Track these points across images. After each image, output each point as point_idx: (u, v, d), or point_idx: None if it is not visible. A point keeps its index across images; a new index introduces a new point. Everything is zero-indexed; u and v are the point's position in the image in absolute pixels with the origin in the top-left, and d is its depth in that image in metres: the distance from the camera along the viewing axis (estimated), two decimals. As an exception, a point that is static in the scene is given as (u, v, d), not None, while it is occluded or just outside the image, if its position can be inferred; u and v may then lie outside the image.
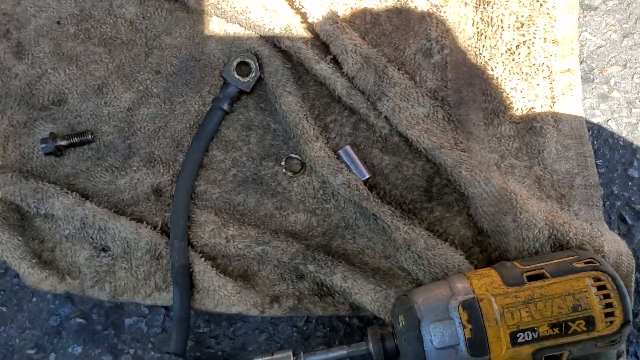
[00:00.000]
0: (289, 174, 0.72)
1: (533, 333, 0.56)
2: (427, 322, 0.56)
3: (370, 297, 0.65)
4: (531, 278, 0.57)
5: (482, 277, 0.58)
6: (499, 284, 0.57)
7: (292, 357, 0.60)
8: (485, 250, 0.68)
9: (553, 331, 0.55)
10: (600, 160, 0.72)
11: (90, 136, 0.73)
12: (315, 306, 0.68)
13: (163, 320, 0.71)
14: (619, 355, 0.59)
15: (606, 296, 0.56)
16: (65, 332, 0.71)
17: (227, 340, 0.70)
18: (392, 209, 0.67)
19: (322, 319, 0.70)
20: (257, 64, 0.72)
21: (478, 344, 0.55)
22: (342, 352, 0.61)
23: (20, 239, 0.70)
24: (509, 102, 0.72)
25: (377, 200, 0.67)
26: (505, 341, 0.55)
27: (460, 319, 0.55)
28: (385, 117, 0.70)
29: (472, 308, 0.56)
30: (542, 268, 0.58)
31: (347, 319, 0.70)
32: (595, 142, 0.73)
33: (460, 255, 0.66)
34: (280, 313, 0.68)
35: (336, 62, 0.72)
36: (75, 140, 0.73)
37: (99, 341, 0.71)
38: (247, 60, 0.72)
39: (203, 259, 0.69)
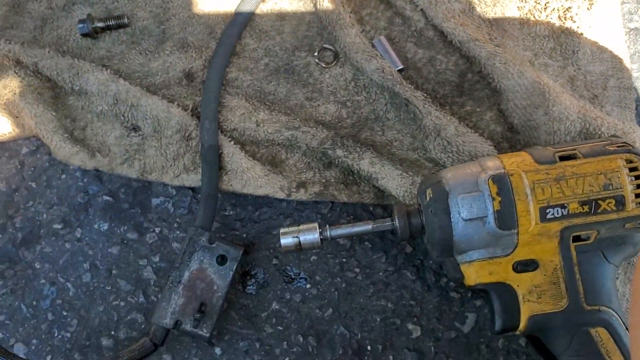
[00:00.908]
0: (322, 64, 0.72)
1: (563, 210, 0.55)
2: (455, 194, 0.56)
3: (396, 182, 0.65)
4: (563, 158, 0.57)
5: (513, 156, 0.58)
6: (530, 162, 0.57)
7: (317, 229, 0.61)
8: (513, 146, 0.68)
9: (583, 209, 0.55)
10: (636, 65, 0.72)
11: (126, 20, 0.74)
12: (340, 193, 0.69)
13: (190, 202, 0.72)
14: (645, 241, 0.59)
15: (637, 177, 0.56)
16: (92, 209, 0.72)
17: (252, 224, 0.71)
18: (425, 95, 0.67)
19: (346, 207, 0.70)
20: (295, -47, 0.72)
21: (507, 216, 0.55)
22: (367, 227, 0.61)
23: (53, 114, 0.71)
24: (545, 2, 0.71)
25: (410, 86, 0.67)
26: (534, 216, 0.55)
27: (490, 191, 0.55)
28: (422, 10, 0.70)
29: (502, 181, 0.56)
30: (575, 149, 0.58)
31: (371, 208, 0.70)
32: (632, 47, 0.72)
33: (490, 145, 0.66)
34: (305, 197, 0.69)
35: (374, -46, 0.72)
36: (112, 22, 0.73)
37: (125, 219, 0.72)
38: (286, -52, 0.72)
39: (232, 142, 0.69)
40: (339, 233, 0.61)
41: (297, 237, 0.61)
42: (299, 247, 0.61)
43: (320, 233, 0.61)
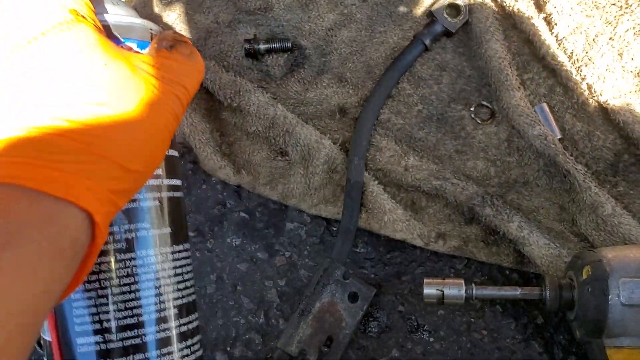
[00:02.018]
0: (477, 120, 0.72)
1: None
2: (616, 277, 0.55)
3: (543, 251, 0.64)
4: None
5: (679, 248, 0.57)
6: (699, 257, 0.56)
7: (464, 286, 0.60)
8: (664, 235, 0.66)
9: None
10: None
11: (289, 44, 0.75)
12: (479, 251, 0.68)
13: (322, 233, 0.72)
14: None
15: None
16: (227, 223, 0.73)
17: (382, 266, 0.70)
18: (585, 169, 0.66)
19: (481, 267, 0.69)
20: (467, 8, 0.73)
21: (669, 309, 0.54)
22: (515, 292, 0.60)
23: (207, 125, 0.73)
24: None
25: (571, 158, 0.66)
26: (698, 314, 0.54)
27: (655, 280, 0.54)
28: (587, 83, 0.70)
29: (668, 273, 0.54)
30: None
31: (507, 272, 0.69)
32: None
33: (643, 231, 0.64)
34: (443, 249, 0.68)
35: (547, 22, 0.72)
36: (276, 45, 0.75)
37: (257, 238, 0.73)
38: (459, 2, 0.73)
39: (376, 182, 0.70)
40: (484, 294, 0.60)
41: (441, 290, 0.60)
42: (441, 301, 0.60)
43: (466, 290, 0.60)
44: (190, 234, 0.73)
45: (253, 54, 0.76)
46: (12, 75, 0.35)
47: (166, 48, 0.42)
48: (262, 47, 0.75)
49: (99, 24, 0.40)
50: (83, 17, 0.38)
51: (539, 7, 0.72)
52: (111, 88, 0.37)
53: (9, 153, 0.33)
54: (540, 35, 0.71)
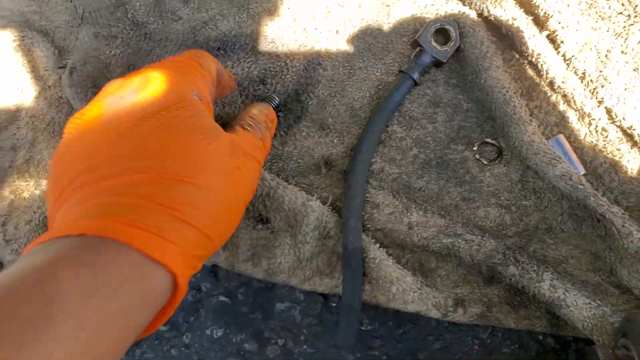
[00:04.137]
0: (483, 161, 0.62)
1: None
2: (688, 348, 0.45)
3: (584, 313, 0.54)
4: None
5: None
6: None
7: (501, 371, 0.50)
8: None
9: None
10: None
11: (276, 102, 0.64)
12: (506, 317, 0.58)
13: (320, 311, 0.61)
14: None
15: None
16: (205, 311, 0.62)
17: (394, 343, 0.60)
18: (622, 210, 0.56)
19: (509, 333, 0.59)
20: (457, 32, 0.63)
21: None
22: (563, 372, 0.50)
23: (169, 197, 0.62)
24: None
25: (604, 199, 0.56)
26: None
27: None
28: (606, 107, 0.61)
29: None
30: None
31: (541, 337, 0.59)
32: None
33: (697, 278, 0.55)
34: (465, 319, 0.58)
35: (552, 41, 0.63)
36: None
37: (243, 325, 0.61)
38: (447, 27, 0.63)
39: (377, 245, 0.59)
40: (527, 378, 0.50)
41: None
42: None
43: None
44: (163, 328, 0.61)
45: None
46: (130, 143, 0.41)
47: (260, 129, 0.53)
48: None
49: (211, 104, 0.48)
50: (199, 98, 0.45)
51: (540, 24, 0.63)
52: (207, 167, 0.42)
53: (116, 213, 0.37)
54: (546, 56, 0.62)
